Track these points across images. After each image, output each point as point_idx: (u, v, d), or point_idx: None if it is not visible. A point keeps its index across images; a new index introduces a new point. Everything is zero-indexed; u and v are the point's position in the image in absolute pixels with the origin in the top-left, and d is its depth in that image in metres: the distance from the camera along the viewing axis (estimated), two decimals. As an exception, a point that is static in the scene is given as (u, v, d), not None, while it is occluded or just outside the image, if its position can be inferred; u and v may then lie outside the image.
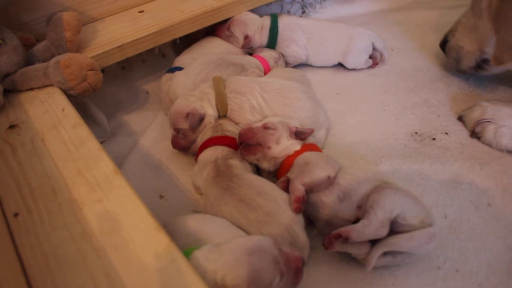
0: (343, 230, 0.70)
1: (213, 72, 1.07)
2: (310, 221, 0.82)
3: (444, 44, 1.18)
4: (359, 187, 0.76)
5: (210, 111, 0.96)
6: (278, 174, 0.87)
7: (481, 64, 1.07)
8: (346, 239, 0.69)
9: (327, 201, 0.77)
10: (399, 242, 0.68)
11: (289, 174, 0.82)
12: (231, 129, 0.94)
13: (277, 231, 0.72)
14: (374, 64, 1.27)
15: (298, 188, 0.77)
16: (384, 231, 0.69)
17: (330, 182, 0.78)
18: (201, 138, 0.94)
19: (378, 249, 0.69)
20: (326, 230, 0.78)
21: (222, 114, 0.97)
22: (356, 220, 0.73)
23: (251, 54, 1.26)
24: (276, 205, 0.75)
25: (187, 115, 0.93)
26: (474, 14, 1.03)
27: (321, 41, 1.24)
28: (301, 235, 0.73)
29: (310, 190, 0.78)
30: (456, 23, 1.13)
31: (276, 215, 0.73)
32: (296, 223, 0.74)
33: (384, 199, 0.71)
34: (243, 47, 1.23)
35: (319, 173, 0.78)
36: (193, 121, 0.93)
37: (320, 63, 1.28)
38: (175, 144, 0.98)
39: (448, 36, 1.15)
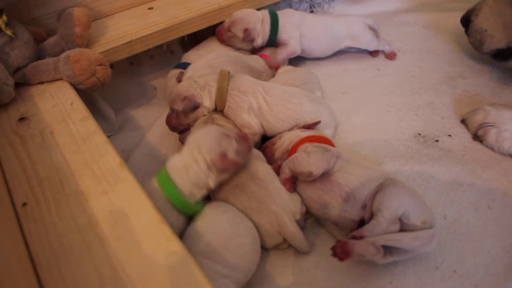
0: (355, 233, 0.71)
1: (226, 64, 1.07)
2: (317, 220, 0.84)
3: (465, 22, 1.17)
4: (362, 187, 0.76)
5: (207, 103, 0.97)
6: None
7: (505, 52, 1.08)
8: (360, 238, 0.70)
9: (331, 201, 0.78)
10: (403, 239, 0.69)
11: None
12: (222, 124, 0.95)
13: (267, 219, 0.77)
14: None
15: (285, 171, 0.83)
16: (395, 227, 0.70)
17: (312, 177, 0.79)
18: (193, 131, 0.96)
19: (380, 239, 0.69)
20: (334, 231, 0.81)
21: (220, 108, 0.98)
22: (362, 220, 0.75)
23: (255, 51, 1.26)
24: (267, 192, 0.78)
25: (184, 98, 0.95)
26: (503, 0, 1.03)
27: (318, 22, 1.27)
28: (290, 225, 0.76)
29: (294, 175, 0.83)
30: (481, 3, 1.12)
31: (266, 202, 0.77)
32: (286, 212, 0.77)
33: (389, 199, 0.72)
34: (244, 39, 1.20)
35: (304, 166, 0.80)
36: (186, 106, 0.94)
37: (318, 47, 1.29)
38: (167, 121, 0.99)
39: (471, 15, 1.14)
